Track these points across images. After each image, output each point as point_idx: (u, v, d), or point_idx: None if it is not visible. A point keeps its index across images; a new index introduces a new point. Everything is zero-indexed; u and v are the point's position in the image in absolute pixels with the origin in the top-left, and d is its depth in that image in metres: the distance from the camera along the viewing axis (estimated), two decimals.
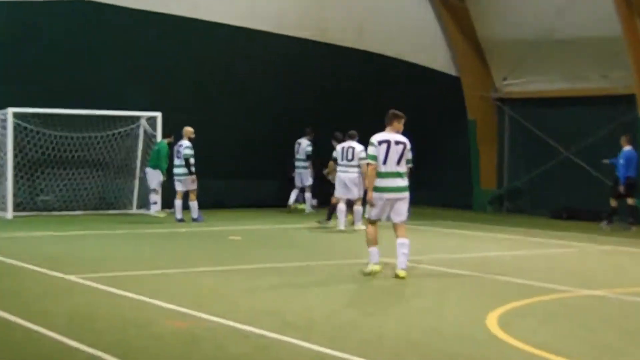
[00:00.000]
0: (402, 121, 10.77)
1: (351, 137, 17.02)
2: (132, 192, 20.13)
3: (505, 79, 22.54)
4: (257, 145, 21.51)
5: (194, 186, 17.52)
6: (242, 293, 9.64)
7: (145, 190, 19.78)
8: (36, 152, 19.11)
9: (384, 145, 10.59)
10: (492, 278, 11.08)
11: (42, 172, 19.29)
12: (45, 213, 19.08)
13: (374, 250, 10.78)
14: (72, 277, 10.33)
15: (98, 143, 19.67)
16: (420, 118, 22.81)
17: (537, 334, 7.70)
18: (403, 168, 10.65)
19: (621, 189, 17.90)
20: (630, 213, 18.02)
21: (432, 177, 23.74)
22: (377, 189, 10.60)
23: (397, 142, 10.61)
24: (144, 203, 19.85)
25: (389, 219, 10.83)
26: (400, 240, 10.66)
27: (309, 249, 14.09)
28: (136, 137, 20.09)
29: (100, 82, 19.43)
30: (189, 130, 17.69)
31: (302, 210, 20.36)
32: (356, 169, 16.61)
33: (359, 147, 16.67)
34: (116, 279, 10.38)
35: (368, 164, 10.73)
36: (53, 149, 19.23)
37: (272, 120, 21.45)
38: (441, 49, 22.98)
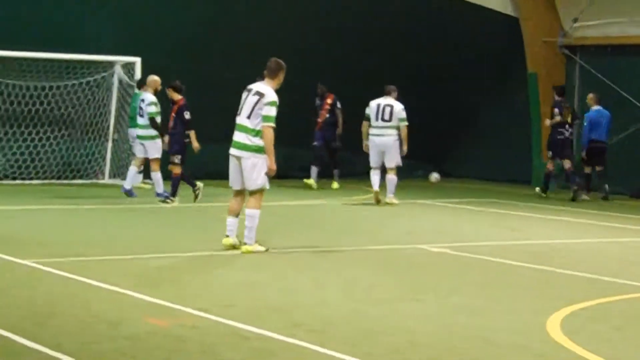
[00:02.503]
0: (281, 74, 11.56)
1: (388, 93, 17.19)
2: (103, 157, 20.20)
3: (576, 20, 22.39)
4: None
5: (159, 154, 17.19)
6: (239, 285, 9.68)
7: (121, 155, 19.83)
8: None
9: (244, 95, 11.54)
10: (555, 271, 11.07)
11: None
12: None
13: (230, 220, 11.63)
14: (28, 262, 10.38)
15: (60, 95, 19.71)
16: (467, 69, 22.95)
17: (612, 343, 7.69)
18: (253, 123, 11.29)
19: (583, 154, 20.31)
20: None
21: (480, 144, 23.69)
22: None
23: (256, 93, 11.39)
24: (120, 171, 19.90)
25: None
26: (246, 211, 11.46)
27: (327, 230, 14.14)
28: (109, 87, 20.11)
29: (62, 17, 19.39)
30: (154, 80, 17.10)
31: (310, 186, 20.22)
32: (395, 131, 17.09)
33: (398, 106, 16.89)
34: (83, 264, 10.42)
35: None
36: (3, 102, 19.27)
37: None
38: None
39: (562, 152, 19.95)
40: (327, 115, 20.28)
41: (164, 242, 12.27)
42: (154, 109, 16.81)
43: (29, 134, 19.59)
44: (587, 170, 20.48)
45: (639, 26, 21.47)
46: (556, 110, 20.02)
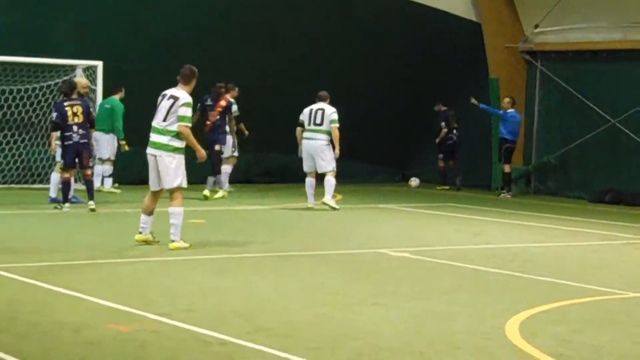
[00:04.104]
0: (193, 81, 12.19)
1: (321, 99, 17.36)
2: None
3: (537, 26, 22.56)
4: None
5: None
6: (201, 289, 9.69)
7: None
8: None
9: (159, 99, 12.14)
10: (515, 275, 11.18)
11: None
12: None
13: (144, 218, 12.24)
14: None
15: (21, 99, 19.60)
16: (428, 74, 23.08)
17: (570, 345, 7.78)
18: (169, 126, 11.88)
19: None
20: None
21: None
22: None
23: (170, 97, 11.98)
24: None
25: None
26: (170, 209, 12.02)
27: (289, 235, 14.17)
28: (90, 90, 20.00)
29: (24, 21, 19.28)
30: (82, 82, 17.15)
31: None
32: (325, 135, 17.11)
33: (329, 109, 17.12)
34: (44, 270, 10.38)
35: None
36: None
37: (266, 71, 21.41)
38: None
39: (452, 154, 22.92)
40: (217, 117, 18.76)
41: (125, 247, 12.24)
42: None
43: None
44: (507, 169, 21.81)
45: (600, 32, 21.65)
46: (442, 123, 22.87)
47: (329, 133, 17.21)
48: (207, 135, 18.70)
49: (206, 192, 18.58)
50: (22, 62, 19.30)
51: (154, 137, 12.07)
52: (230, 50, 21.34)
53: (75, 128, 15.58)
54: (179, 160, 11.95)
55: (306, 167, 17.43)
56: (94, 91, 19.60)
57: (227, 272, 10.75)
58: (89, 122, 15.89)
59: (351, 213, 17.60)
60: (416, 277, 10.90)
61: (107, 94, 19.35)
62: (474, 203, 19.99)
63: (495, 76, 22.96)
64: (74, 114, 15.58)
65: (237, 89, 19.77)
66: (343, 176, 22.88)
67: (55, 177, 16.84)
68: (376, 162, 24.17)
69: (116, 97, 18.92)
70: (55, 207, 16.06)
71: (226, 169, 19.25)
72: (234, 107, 19.59)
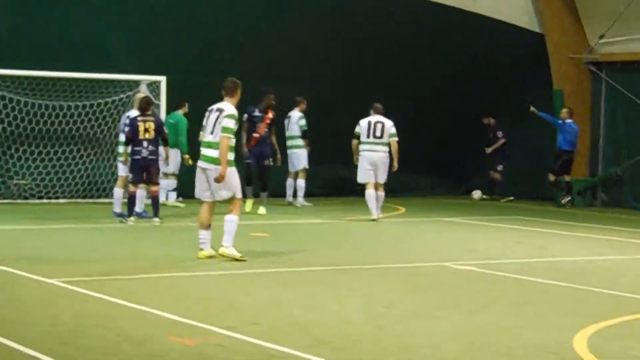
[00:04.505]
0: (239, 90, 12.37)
1: (377, 111, 17.35)
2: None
3: (602, 36, 22.31)
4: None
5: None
6: (263, 303, 9.69)
7: None
8: (8, 125, 19.31)
9: (206, 115, 12.35)
10: (582, 289, 11.03)
11: (16, 151, 19.51)
12: (20, 201, 19.30)
13: (203, 233, 12.30)
14: (54, 281, 10.44)
15: (87, 114, 19.82)
16: (490, 86, 22.90)
17: None
18: (217, 138, 12.05)
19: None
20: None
21: (505, 160, 23.57)
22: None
23: (217, 110, 12.19)
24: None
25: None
26: (226, 217, 12.24)
27: (351, 248, 14.13)
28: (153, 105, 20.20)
29: (88, 37, 19.55)
30: (139, 97, 17.11)
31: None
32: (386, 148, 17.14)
33: (388, 123, 17.11)
34: (108, 283, 10.47)
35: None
36: (29, 121, 19.41)
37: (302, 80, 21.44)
38: None
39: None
40: (266, 130, 18.51)
41: (188, 260, 12.30)
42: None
43: (55, 153, 19.72)
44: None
45: None
46: (499, 133, 22.95)
47: (388, 145, 17.18)
48: (251, 149, 18.51)
49: (262, 210, 18.31)
50: (86, 78, 19.54)
51: (204, 150, 12.26)
52: (293, 63, 21.38)
53: (145, 144, 15.77)
54: (230, 171, 12.07)
55: (365, 178, 17.34)
56: (157, 106, 19.78)
57: (289, 285, 10.75)
58: (162, 139, 16.11)
59: (414, 226, 17.51)
60: (480, 291, 10.79)
61: (171, 108, 19.50)
62: (537, 215, 19.76)
63: (560, 87, 22.74)
64: (146, 130, 15.79)
65: (305, 101, 19.83)
66: (406, 189, 22.92)
67: (118, 192, 16.97)
68: (439, 174, 24.04)
69: (180, 112, 19.07)
70: (121, 222, 16.23)
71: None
72: (302, 121, 19.62)
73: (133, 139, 15.81)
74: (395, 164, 17.25)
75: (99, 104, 19.88)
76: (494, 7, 22.71)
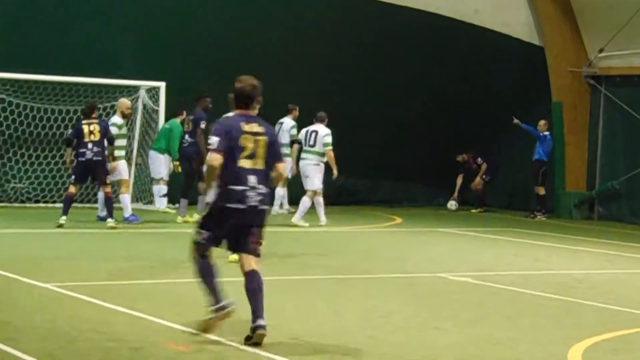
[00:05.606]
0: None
1: (318, 120, 17.56)
2: None
3: (601, 50, 22.35)
4: None
5: (122, 175, 17.15)
6: None
7: (144, 179, 19.93)
8: (6, 128, 19.31)
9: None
10: (576, 302, 11.04)
11: (14, 154, 19.51)
12: (17, 205, 19.30)
13: None
14: (50, 286, 10.45)
15: None
16: (489, 99, 22.94)
17: None
18: None
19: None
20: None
21: (504, 173, 23.60)
22: None
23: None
24: (141, 195, 20.01)
25: None
26: None
27: (346, 257, 14.13)
28: (133, 112, 20.22)
29: (86, 43, 19.57)
30: (124, 103, 17.48)
31: None
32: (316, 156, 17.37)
33: (323, 132, 17.36)
34: (105, 288, 10.47)
35: None
36: (28, 125, 19.43)
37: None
38: (520, 9, 22.85)
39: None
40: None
41: (183, 267, 12.27)
42: (115, 130, 16.95)
43: (53, 157, 19.72)
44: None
45: None
46: (480, 159, 23.15)
47: (321, 154, 17.30)
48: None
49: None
50: (85, 83, 19.55)
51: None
52: (297, 74, 21.38)
53: (90, 145, 15.97)
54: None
55: (305, 186, 17.61)
56: (156, 112, 19.79)
57: (285, 294, 10.75)
58: (108, 140, 16.27)
59: (410, 236, 17.52)
60: (476, 302, 10.81)
61: (170, 114, 19.48)
62: (534, 228, 19.79)
63: (559, 100, 22.77)
64: (90, 132, 15.98)
65: (297, 108, 19.75)
66: (402, 199, 22.93)
67: (125, 197, 17.16)
68: (435, 185, 24.05)
69: (177, 120, 18.97)
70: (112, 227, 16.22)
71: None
72: (294, 131, 19.42)
73: (78, 142, 16.02)
74: (335, 172, 17.41)
75: (97, 109, 19.83)
76: (494, 20, 22.74)
